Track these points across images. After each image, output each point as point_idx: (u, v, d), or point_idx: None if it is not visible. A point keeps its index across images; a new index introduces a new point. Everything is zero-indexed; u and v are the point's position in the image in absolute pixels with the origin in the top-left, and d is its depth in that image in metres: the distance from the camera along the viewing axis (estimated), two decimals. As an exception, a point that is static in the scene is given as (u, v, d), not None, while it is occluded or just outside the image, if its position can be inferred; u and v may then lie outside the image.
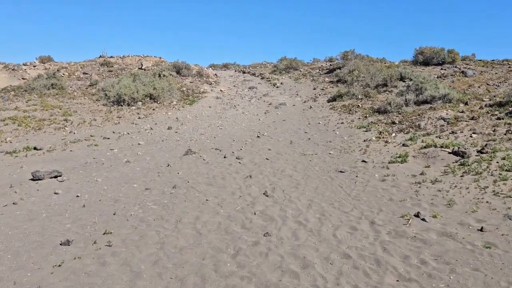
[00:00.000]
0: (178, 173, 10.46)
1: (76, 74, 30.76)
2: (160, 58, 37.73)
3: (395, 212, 7.51)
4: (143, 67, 32.39)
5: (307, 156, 11.97)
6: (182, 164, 11.33)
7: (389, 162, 10.71)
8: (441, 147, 10.96)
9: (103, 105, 21.52)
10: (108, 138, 15.03)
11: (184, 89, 25.19)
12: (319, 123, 17.08)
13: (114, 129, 16.74)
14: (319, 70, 30.52)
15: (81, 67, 33.22)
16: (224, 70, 41.50)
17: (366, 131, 14.57)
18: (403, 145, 12.01)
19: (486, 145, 10.38)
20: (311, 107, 20.68)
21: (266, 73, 32.55)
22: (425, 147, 11.33)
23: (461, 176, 9.10)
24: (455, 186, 8.56)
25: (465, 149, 10.39)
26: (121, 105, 21.13)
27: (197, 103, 22.07)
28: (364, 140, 13.23)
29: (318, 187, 9.18)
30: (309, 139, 14.33)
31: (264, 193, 8.75)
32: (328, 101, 21.52)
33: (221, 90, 25.77)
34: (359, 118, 16.75)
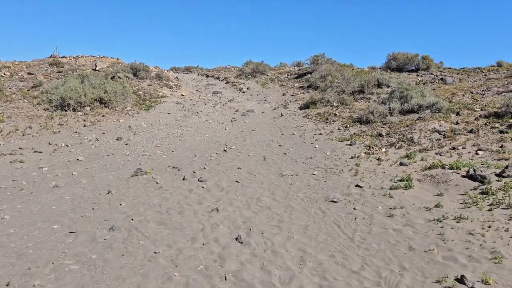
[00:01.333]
0: (120, 204, 7.72)
1: (20, 74, 27.04)
2: (118, 59, 34.45)
3: (424, 271, 5.17)
4: (97, 68, 29.12)
5: (286, 178, 9.53)
6: (127, 190, 8.58)
7: (390, 188, 8.43)
8: (451, 168, 8.80)
9: (45, 109, 18.27)
10: (40, 152, 12.01)
11: (141, 92, 22.24)
12: (293, 133, 14.72)
13: (52, 139, 13.67)
14: (288, 74, 28.33)
15: (26, 67, 29.53)
16: (187, 73, 38.64)
17: (350, 144, 12.33)
18: (401, 164, 9.80)
19: (507, 166, 8.31)
20: (282, 114, 18.33)
21: (231, 77, 30.03)
22: (429, 168, 9.15)
23: (489, 211, 6.93)
24: (489, 227, 6.35)
25: (481, 171, 8.29)
26: (66, 110, 17.99)
27: (155, 109, 19.22)
28: (352, 157, 10.95)
29: (307, 226, 6.74)
30: (285, 154, 11.91)
31: (236, 238, 6.21)
32: (301, 108, 19.27)
33: (182, 95, 23.02)
34: (338, 129, 14.52)
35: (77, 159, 11.27)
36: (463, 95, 16.88)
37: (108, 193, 8.36)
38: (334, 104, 18.22)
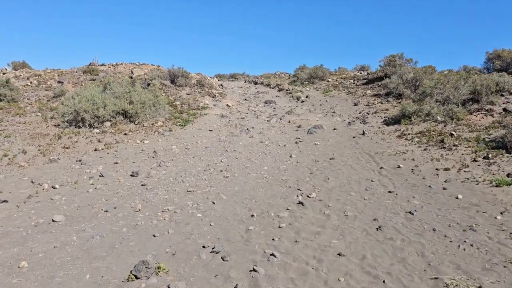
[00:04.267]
0: None
1: (48, 82, 23.11)
2: (158, 66, 30.18)
3: None
4: (133, 76, 24.86)
5: (458, 296, 4.09)
6: None
7: None
8: None
9: (55, 125, 13.85)
10: (5, 201, 7.22)
11: (178, 103, 17.48)
12: (398, 166, 9.20)
13: (40, 173, 8.97)
14: (354, 80, 22.73)
15: (58, 75, 25.78)
16: (232, 80, 33.92)
17: (524, 195, 6.68)
18: None
19: None
20: (364, 132, 12.83)
21: (284, 84, 24.81)
22: None
23: None
24: None
25: None
26: (80, 127, 13.46)
27: (193, 124, 14.30)
28: None
29: None
30: (411, 214, 6.43)
31: None
32: (387, 123, 13.70)
33: (227, 105, 18.04)
34: (474, 160, 8.85)
35: (52, 220, 6.36)
36: None
37: None
38: (438, 118, 12.51)
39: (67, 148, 11.39)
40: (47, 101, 18.29)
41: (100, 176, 8.75)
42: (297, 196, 7.35)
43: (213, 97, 19.45)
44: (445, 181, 7.92)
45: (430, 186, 7.68)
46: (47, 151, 10.98)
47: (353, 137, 12.58)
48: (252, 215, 6.45)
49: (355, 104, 17.45)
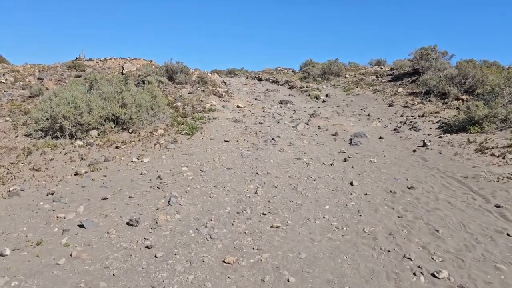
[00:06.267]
0: None
1: (27, 79, 19.51)
2: (151, 61, 26.77)
3: None
4: (124, 72, 21.42)
5: None
6: None
7: None
8: None
9: (27, 135, 10.51)
10: None
11: (179, 104, 14.16)
12: (520, 203, 6.13)
13: (-13, 220, 5.67)
14: (376, 76, 19.65)
15: (39, 71, 22.21)
16: (232, 77, 30.57)
17: None
18: None
19: None
20: (425, 144, 9.75)
21: (294, 80, 21.59)
22: None
23: None
24: None
25: None
26: (58, 137, 10.13)
27: (202, 133, 11.05)
28: None
29: None
30: None
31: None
32: (447, 131, 10.66)
33: (238, 107, 14.79)
34: None
35: None
36: None
37: None
38: (520, 125, 9.53)
39: (37, 170, 8.08)
40: (22, 102, 14.85)
41: (80, 226, 5.48)
42: (414, 274, 4.22)
43: (219, 96, 16.17)
44: None
45: None
46: (9, 176, 7.68)
47: (414, 151, 9.49)
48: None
49: (390, 105, 14.39)
